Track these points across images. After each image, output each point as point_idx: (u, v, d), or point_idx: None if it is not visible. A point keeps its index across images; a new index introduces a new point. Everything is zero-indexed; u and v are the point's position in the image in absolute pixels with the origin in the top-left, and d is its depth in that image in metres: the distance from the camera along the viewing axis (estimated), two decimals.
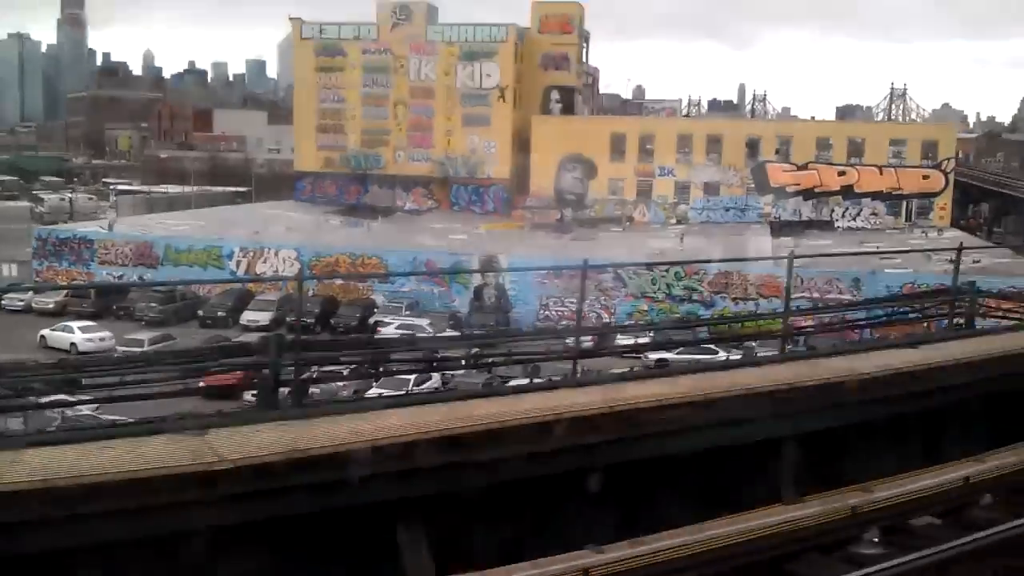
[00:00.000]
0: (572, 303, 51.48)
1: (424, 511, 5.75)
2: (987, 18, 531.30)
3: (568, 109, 78.60)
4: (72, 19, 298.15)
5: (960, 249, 9.92)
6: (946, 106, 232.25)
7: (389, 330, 45.78)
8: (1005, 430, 8.94)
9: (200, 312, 50.49)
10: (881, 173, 71.22)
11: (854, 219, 71.37)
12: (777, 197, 72.37)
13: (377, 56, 76.73)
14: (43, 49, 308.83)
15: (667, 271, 49.59)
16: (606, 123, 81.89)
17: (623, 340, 30.40)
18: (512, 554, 5.96)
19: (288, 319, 50.07)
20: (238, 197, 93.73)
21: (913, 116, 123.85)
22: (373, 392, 30.77)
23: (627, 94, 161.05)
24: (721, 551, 6.01)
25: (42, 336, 45.52)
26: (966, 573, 6.36)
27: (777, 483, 7.43)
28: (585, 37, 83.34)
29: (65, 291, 51.64)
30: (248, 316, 49.65)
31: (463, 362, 10.38)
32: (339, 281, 52.12)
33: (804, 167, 72.12)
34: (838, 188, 71.67)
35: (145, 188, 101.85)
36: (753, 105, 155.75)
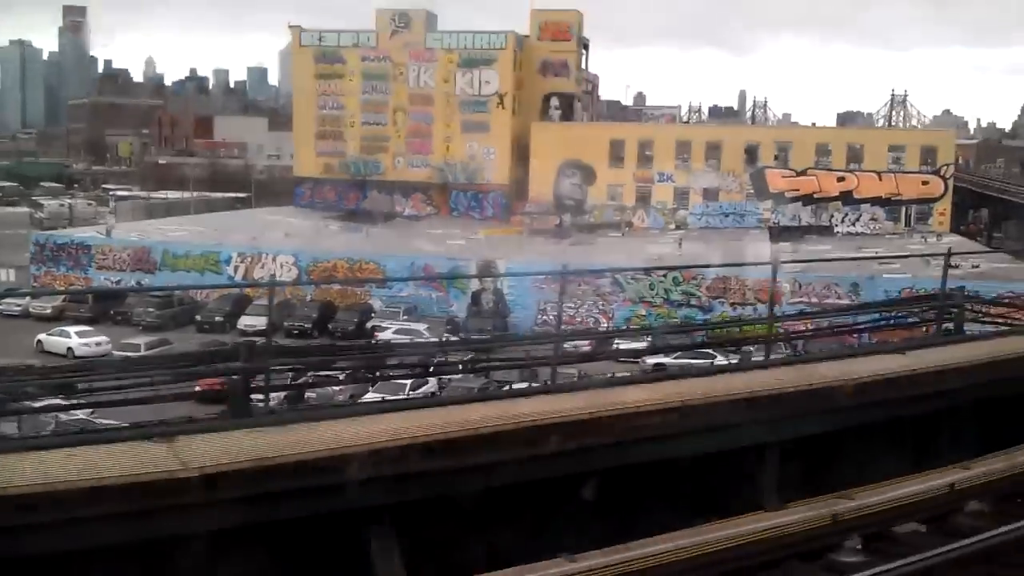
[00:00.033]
0: (570, 307, 51.50)
1: (397, 518, 5.67)
2: (987, 25, 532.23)
3: (567, 116, 78.70)
4: (74, 26, 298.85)
5: (948, 254, 9.85)
6: (947, 112, 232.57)
7: (386, 335, 45.77)
8: (996, 436, 8.87)
9: (197, 317, 50.44)
10: (880, 179, 71.24)
11: (853, 224, 71.39)
12: (776, 203, 72.40)
13: (376, 63, 76.86)
14: (45, 56, 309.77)
15: (665, 276, 49.56)
16: (605, 129, 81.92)
17: (622, 345, 30.42)
18: (490, 562, 5.89)
19: (284, 324, 50.29)
20: (238, 203, 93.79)
21: (914, 122, 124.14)
22: (369, 397, 30.87)
23: (628, 101, 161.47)
24: (695, 560, 5.93)
25: (39, 341, 45.52)
26: None
27: (761, 490, 7.35)
28: (584, 44, 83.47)
29: (63, 296, 51.59)
30: (245, 321, 49.57)
31: (433, 368, 10.28)
32: (336, 286, 52.10)
33: (803, 173, 72.15)
34: (837, 194, 71.71)
35: (144, 194, 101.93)
36: (754, 111, 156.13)
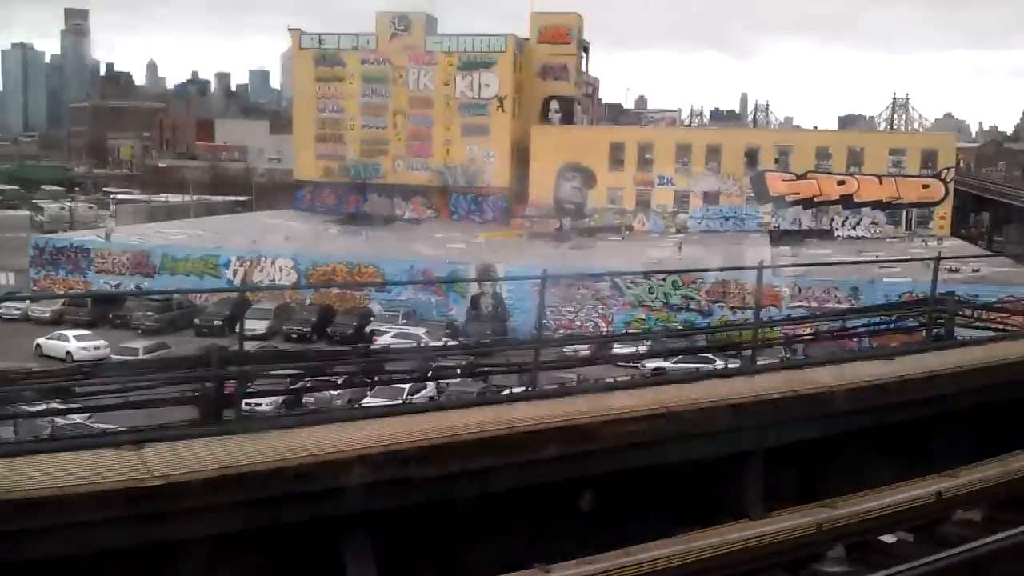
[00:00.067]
0: (570, 312, 51.44)
1: (371, 526, 5.59)
2: (988, 28, 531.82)
3: (567, 119, 78.66)
4: (76, 29, 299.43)
5: (938, 259, 9.75)
6: (948, 116, 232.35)
7: (385, 339, 45.71)
8: (991, 441, 8.77)
9: (196, 320, 50.40)
10: (881, 182, 71.17)
11: (854, 228, 71.31)
12: (776, 206, 72.32)
13: (376, 66, 76.87)
14: (47, 59, 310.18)
15: (664, 280, 49.50)
16: (605, 132, 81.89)
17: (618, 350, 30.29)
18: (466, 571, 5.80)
19: (284, 327, 50.26)
20: (238, 206, 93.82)
21: (915, 126, 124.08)
22: (368, 401, 30.80)
23: (629, 104, 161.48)
24: (677, 569, 5.83)
25: (38, 344, 45.51)
26: None
27: (746, 498, 7.26)
28: (584, 47, 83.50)
29: (62, 300, 51.61)
30: (246, 324, 49.49)
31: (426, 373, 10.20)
32: (335, 290, 52.11)
33: (803, 176, 72.07)
34: (837, 197, 71.64)
35: (145, 197, 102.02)
36: (755, 115, 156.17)
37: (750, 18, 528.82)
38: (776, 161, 73.20)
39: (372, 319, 51.29)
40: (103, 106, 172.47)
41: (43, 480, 4.77)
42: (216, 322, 50.14)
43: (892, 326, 10.15)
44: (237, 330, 34.34)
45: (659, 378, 7.64)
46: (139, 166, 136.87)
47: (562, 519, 6.40)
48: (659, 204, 74.09)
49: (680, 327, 42.40)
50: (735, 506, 7.23)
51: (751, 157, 73.30)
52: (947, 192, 71.28)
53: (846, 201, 71.55)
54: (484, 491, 5.99)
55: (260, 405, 28.86)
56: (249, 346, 37.63)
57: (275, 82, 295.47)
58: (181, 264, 56.84)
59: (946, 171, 71.58)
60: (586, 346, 29.21)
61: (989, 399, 8.84)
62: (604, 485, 6.53)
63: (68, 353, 43.49)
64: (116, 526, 4.82)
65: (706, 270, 47.42)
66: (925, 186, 71.06)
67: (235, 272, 56.38)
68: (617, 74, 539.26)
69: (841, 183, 71.46)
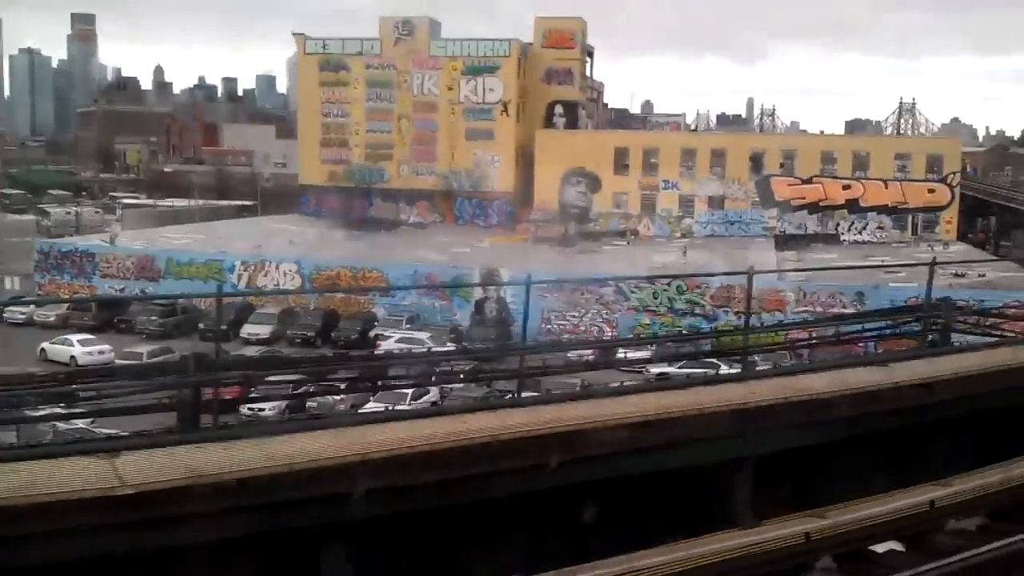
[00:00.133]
0: (574, 316, 51.37)
1: (352, 538, 5.52)
2: (995, 33, 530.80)
3: (572, 123, 78.67)
4: (83, 34, 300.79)
5: (933, 264, 9.65)
6: (955, 120, 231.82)
7: (389, 343, 45.71)
8: (990, 449, 8.66)
9: (200, 325, 50.47)
10: (886, 187, 70.99)
11: (860, 232, 71.10)
12: (782, 211, 72.18)
13: (380, 71, 77.00)
14: (54, 64, 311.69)
15: (668, 285, 49.42)
16: (609, 137, 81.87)
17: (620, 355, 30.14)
18: None
19: (288, 332, 50.30)
20: (244, 211, 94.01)
21: (922, 130, 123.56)
22: (370, 406, 30.75)
23: (635, 108, 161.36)
24: None
25: (42, 349, 45.69)
26: None
27: (735, 507, 7.16)
28: (588, 52, 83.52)
29: (67, 304, 51.79)
30: (248, 329, 49.72)
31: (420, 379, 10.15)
32: (340, 294, 52.16)
33: (809, 181, 71.91)
34: (843, 202, 71.49)
35: (151, 202, 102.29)
36: (761, 119, 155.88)
37: (756, 23, 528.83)
38: (781, 165, 73.08)
39: (376, 324, 51.32)
40: (110, 111, 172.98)
41: (14, 489, 4.71)
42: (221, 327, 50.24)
43: (887, 332, 10.03)
44: (217, 335, 34.37)
45: (652, 384, 7.55)
46: (146, 171, 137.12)
47: (560, 526, 6.33)
48: (664, 208, 74.03)
49: (684, 331, 42.27)
50: (725, 514, 7.15)
51: (756, 161, 73.18)
52: (953, 196, 71.07)
53: (852, 206, 71.37)
54: (486, 497, 5.91)
55: (263, 410, 29.00)
56: (252, 351, 37.87)
57: (281, 87, 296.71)
58: (186, 268, 56.98)
59: (952, 175, 71.37)
60: (590, 351, 29.19)
61: (986, 406, 8.73)
62: (601, 491, 6.46)
63: (72, 357, 43.65)
64: (89, 535, 4.76)
65: (693, 275, 47.35)
66: (931, 190, 70.87)
67: (239, 276, 56.49)
68: (623, 79, 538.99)
69: (847, 187, 71.30)
